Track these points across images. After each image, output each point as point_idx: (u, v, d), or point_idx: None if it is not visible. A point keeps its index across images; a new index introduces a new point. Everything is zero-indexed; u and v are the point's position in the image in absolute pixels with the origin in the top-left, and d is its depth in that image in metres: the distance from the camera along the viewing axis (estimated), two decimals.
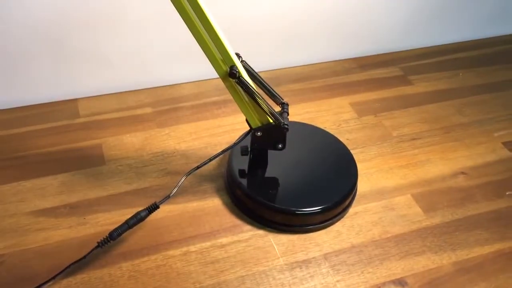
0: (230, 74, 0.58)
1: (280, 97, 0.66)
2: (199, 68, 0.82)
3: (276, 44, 0.94)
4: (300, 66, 0.96)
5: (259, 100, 0.61)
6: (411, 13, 0.98)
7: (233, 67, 0.58)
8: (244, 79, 0.59)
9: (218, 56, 0.58)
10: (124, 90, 0.87)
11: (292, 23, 0.91)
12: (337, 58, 0.99)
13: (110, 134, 0.79)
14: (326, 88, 0.91)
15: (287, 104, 0.67)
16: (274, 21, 0.90)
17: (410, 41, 1.02)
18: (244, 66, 0.62)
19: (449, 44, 1.05)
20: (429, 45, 1.04)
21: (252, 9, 0.87)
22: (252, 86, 0.60)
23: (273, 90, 0.66)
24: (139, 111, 0.84)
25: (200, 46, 0.57)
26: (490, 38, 1.07)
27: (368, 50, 1.00)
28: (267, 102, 0.61)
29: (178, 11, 0.54)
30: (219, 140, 0.79)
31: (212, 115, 0.84)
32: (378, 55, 1.01)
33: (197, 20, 0.54)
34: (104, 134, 0.79)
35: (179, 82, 0.90)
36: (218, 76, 0.59)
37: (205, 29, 0.55)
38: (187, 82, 0.90)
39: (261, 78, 0.65)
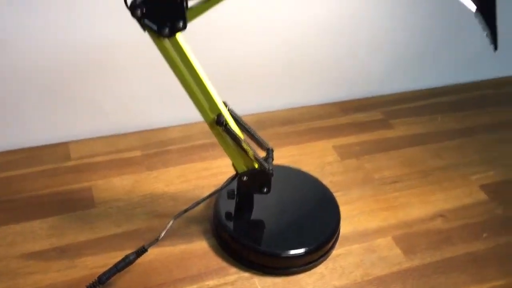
0: (217, 122, 0.61)
1: (265, 143, 0.69)
2: (187, 112, 0.85)
3: (262, 88, 0.97)
4: (286, 109, 1.00)
5: (245, 147, 0.63)
6: (392, 59, 1.03)
7: (220, 115, 0.61)
8: (231, 127, 0.62)
9: (205, 104, 0.61)
10: (114, 134, 0.90)
11: (278, 67, 0.96)
12: (321, 102, 1.02)
13: (100, 177, 0.81)
14: (310, 131, 0.94)
15: (272, 150, 0.70)
16: (260, 66, 0.94)
17: (391, 85, 1.07)
18: (230, 113, 0.65)
19: (428, 89, 1.09)
20: (409, 90, 1.08)
21: (238, 53, 0.91)
22: (238, 134, 0.63)
23: (258, 136, 0.69)
24: (128, 154, 0.86)
25: (188, 95, 0.60)
26: (466, 84, 1.12)
27: (350, 95, 1.05)
28: (252, 149, 0.64)
29: (167, 62, 0.57)
30: (206, 183, 0.81)
31: (200, 158, 0.86)
32: (360, 99, 1.05)
33: (185, 70, 0.58)
34: (94, 177, 0.81)
35: (168, 126, 0.93)
36: None
37: (192, 79, 0.59)
38: (176, 126, 0.93)
39: (247, 125, 0.68)
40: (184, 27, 0.53)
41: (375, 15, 0.96)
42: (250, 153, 0.64)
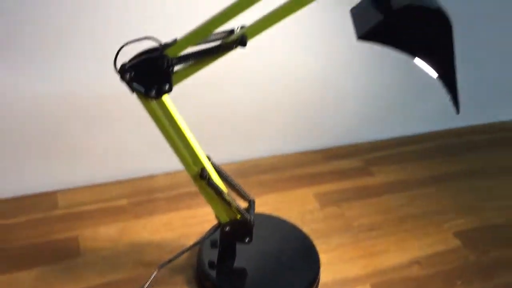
0: (201, 176, 0.65)
1: (247, 195, 0.73)
2: (174, 160, 0.88)
3: (245, 136, 1.01)
4: (269, 157, 1.04)
5: (227, 199, 0.67)
6: (373, 108, 1.08)
7: (203, 169, 0.65)
8: (213, 181, 0.66)
9: (189, 159, 0.64)
10: (102, 182, 0.93)
11: (261, 115, 1.00)
12: (303, 150, 1.07)
13: (87, 226, 0.83)
14: (292, 179, 0.98)
15: (254, 201, 0.73)
16: (243, 113, 0.98)
17: (371, 134, 1.11)
18: (213, 166, 0.69)
19: (405, 136, 1.14)
20: (388, 138, 1.13)
21: (223, 102, 0.95)
22: (220, 187, 0.66)
23: (240, 187, 0.72)
24: (115, 203, 0.88)
25: (173, 150, 0.64)
26: (440, 132, 1.17)
27: (333, 142, 1.09)
28: (234, 200, 0.67)
29: (153, 120, 0.61)
30: (192, 231, 0.83)
31: (187, 206, 0.89)
32: (342, 146, 1.09)
33: (170, 128, 0.61)
34: (81, 226, 0.83)
35: (155, 174, 0.96)
36: None
37: (177, 136, 0.62)
38: (162, 173, 0.96)
39: (229, 177, 0.71)
40: (170, 89, 0.57)
41: (357, 67, 1.02)
42: (233, 205, 0.67)
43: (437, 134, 1.16)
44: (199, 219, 0.86)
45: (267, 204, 0.91)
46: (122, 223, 0.84)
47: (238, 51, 0.54)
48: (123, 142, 0.92)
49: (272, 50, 0.92)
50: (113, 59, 0.56)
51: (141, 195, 0.90)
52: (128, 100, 0.77)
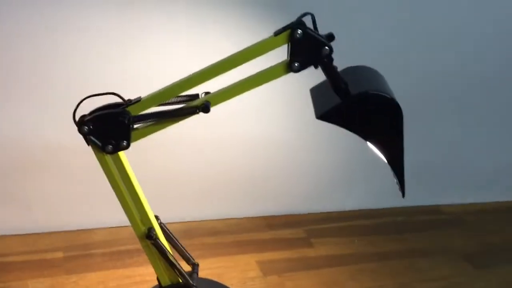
0: (148, 236, 0.63)
1: (192, 258, 0.71)
2: (115, 215, 0.86)
3: (191, 197, 1.00)
4: (215, 220, 1.03)
5: (172, 261, 0.65)
6: (317, 179, 1.11)
7: (151, 229, 0.63)
8: (160, 241, 0.64)
9: (137, 217, 0.63)
10: (36, 232, 0.88)
11: (208, 179, 1.00)
12: (249, 215, 1.07)
13: (14, 279, 0.77)
14: (236, 244, 0.97)
15: (197, 265, 0.71)
16: (192, 176, 0.98)
17: (316, 205, 1.14)
18: (161, 227, 0.67)
19: (349, 211, 1.17)
20: (333, 210, 1.15)
21: (173, 165, 0.95)
22: (166, 248, 0.65)
23: (185, 250, 0.71)
24: (49, 255, 0.84)
25: (122, 206, 0.62)
26: (384, 209, 1.21)
27: (278, 210, 1.10)
28: (178, 263, 0.66)
29: (105, 174, 0.59)
30: None
31: (123, 264, 0.85)
32: (287, 215, 1.10)
33: (122, 184, 0.60)
34: (7, 278, 0.77)
35: (94, 227, 0.92)
36: None
37: (128, 192, 0.61)
38: (102, 228, 0.93)
39: (176, 238, 0.70)
40: (127, 146, 0.57)
41: (311, 139, 1.05)
42: (176, 268, 0.65)
43: (382, 211, 1.20)
44: (136, 279, 0.82)
45: (210, 268, 0.89)
46: (53, 278, 0.79)
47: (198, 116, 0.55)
48: (65, 193, 0.88)
49: (229, 115, 0.94)
50: (73, 111, 0.55)
51: (77, 249, 0.86)
52: (78, 151, 0.76)
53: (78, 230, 0.90)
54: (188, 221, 1.00)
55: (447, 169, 1.23)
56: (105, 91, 0.56)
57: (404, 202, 1.25)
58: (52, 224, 0.89)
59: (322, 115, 0.53)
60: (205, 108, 0.54)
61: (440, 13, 1.02)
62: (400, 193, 0.58)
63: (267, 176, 1.05)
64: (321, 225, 1.10)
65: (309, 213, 1.13)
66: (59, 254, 0.84)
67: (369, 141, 0.55)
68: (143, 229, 0.63)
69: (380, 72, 0.58)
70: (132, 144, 0.57)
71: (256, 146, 1.01)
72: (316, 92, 0.58)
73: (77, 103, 0.55)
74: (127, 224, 0.94)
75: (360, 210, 1.18)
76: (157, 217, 0.67)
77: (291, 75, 0.53)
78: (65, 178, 0.87)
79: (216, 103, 0.55)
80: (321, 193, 1.14)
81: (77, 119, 0.55)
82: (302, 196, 1.12)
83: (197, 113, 0.54)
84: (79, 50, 0.80)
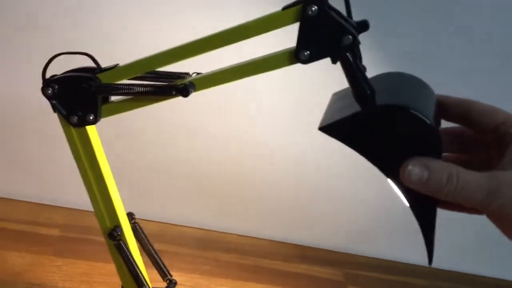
0: (110, 235, 0.52)
1: (169, 273, 0.59)
2: (130, 203, 0.78)
3: (216, 205, 0.89)
4: (237, 235, 0.90)
5: (135, 271, 0.54)
6: (366, 218, 0.94)
7: (117, 227, 0.53)
8: (125, 244, 0.53)
9: (104, 210, 0.53)
10: (43, 202, 0.82)
11: (238, 188, 0.88)
12: (278, 239, 0.92)
13: None
14: (253, 268, 0.84)
15: (175, 283, 0.59)
16: (221, 181, 0.87)
17: (358, 246, 0.96)
18: (134, 228, 0.57)
19: (391, 261, 0.97)
20: (374, 256, 0.97)
21: (202, 164, 0.84)
22: (133, 255, 0.54)
23: (162, 263, 0.59)
24: (43, 230, 0.77)
25: (88, 194, 0.52)
26: (449, 272, 0.99)
27: (311, 241, 0.94)
28: (143, 275, 0.54)
29: (71, 149, 0.50)
30: None
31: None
32: (321, 249, 0.94)
33: (88, 166, 0.50)
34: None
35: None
36: None
37: (94, 178, 0.51)
38: None
39: (152, 246, 0.59)
40: (95, 121, 0.47)
41: (357, 169, 0.89)
42: (141, 281, 0.54)
43: (443, 273, 0.99)
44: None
45: None
46: (36, 256, 0.72)
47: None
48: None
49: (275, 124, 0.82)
50: (42, 70, 0.46)
51: (75, 231, 0.79)
52: None
53: (85, 211, 0.83)
54: (207, 229, 0.89)
55: None
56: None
57: (466, 266, 1.01)
58: (60, 197, 0.83)
59: (326, 126, 0.39)
60: (183, 90, 0.42)
61: None
62: (430, 262, 0.41)
63: (309, 198, 0.91)
64: (362, 270, 0.92)
65: (347, 253, 0.95)
66: (55, 232, 0.77)
67: (389, 177, 0.39)
68: (108, 226, 0.53)
69: (432, 89, 0.42)
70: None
71: (301, 162, 0.87)
72: (337, 99, 0.43)
73: None
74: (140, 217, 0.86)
75: (404, 264, 0.97)
76: (131, 215, 0.56)
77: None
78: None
79: (203, 87, 0.43)
80: (366, 233, 0.95)
81: None
82: (345, 232, 0.95)
83: (174, 95, 0.43)
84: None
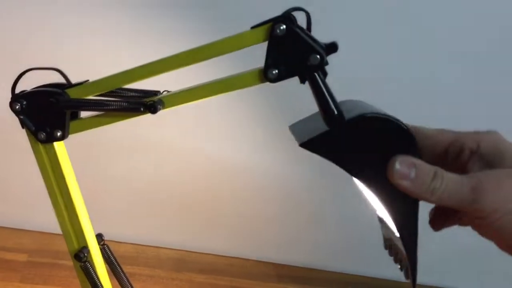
0: (76, 256, 0.51)
1: None
2: (100, 225, 0.76)
3: (192, 225, 0.88)
4: (213, 255, 0.88)
5: None
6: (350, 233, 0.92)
7: (84, 249, 0.51)
8: (92, 266, 0.52)
9: (71, 230, 0.51)
10: (13, 227, 0.80)
11: (214, 207, 0.87)
12: (255, 258, 0.90)
13: None
14: None
15: None
16: (196, 201, 0.86)
17: (337, 264, 0.94)
18: (103, 251, 0.55)
19: (378, 278, 0.95)
20: (370, 275, 0.94)
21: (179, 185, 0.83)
22: (98, 278, 0.52)
23: (131, 286, 0.58)
24: (11, 256, 0.76)
25: (55, 213, 0.51)
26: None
27: (293, 259, 0.93)
28: None
29: (38, 166, 0.49)
30: None
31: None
32: (303, 268, 0.92)
33: (55, 184, 0.49)
34: None
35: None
36: None
37: (62, 197, 0.50)
38: None
39: (122, 269, 0.57)
40: (62, 137, 0.46)
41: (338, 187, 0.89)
42: None
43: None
44: None
45: None
46: (1, 283, 0.70)
47: None
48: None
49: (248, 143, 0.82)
50: (12, 85, 0.46)
51: (44, 256, 0.76)
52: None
53: (56, 234, 0.81)
54: (182, 250, 0.87)
55: None
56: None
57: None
58: (29, 220, 0.81)
59: (308, 141, 0.38)
60: (151, 107, 0.42)
61: None
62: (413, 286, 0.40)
63: (285, 216, 0.89)
64: None
65: (327, 271, 0.93)
66: (23, 257, 0.75)
67: (372, 188, 0.38)
68: (76, 247, 0.52)
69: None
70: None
71: (280, 182, 0.87)
72: (300, 126, 0.43)
73: None
74: (112, 239, 0.84)
75: (394, 282, 0.95)
76: (100, 236, 0.55)
77: None
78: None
79: (172, 105, 0.43)
80: (351, 250, 0.94)
81: None
82: (323, 249, 0.93)
83: (142, 111, 0.43)
84: None
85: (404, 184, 0.36)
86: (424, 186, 0.36)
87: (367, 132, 0.37)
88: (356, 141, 0.38)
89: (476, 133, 0.40)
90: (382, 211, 0.40)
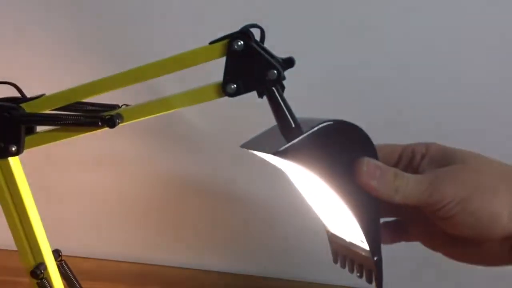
0: (32, 273, 0.50)
1: None
2: (66, 240, 0.74)
3: (152, 236, 0.87)
4: (176, 268, 0.87)
5: None
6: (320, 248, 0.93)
7: (40, 265, 0.50)
8: (49, 283, 0.50)
9: (27, 246, 0.50)
10: None
11: (178, 217, 0.86)
12: (218, 269, 0.89)
13: None
14: None
15: None
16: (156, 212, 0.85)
17: (309, 275, 0.93)
18: (61, 267, 0.54)
19: None
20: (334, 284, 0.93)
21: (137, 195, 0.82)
22: None
23: None
24: None
25: (11, 230, 0.50)
26: None
27: (264, 271, 0.92)
28: None
29: None
30: None
31: None
32: (277, 279, 0.91)
33: (10, 200, 0.48)
34: None
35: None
36: None
37: (17, 213, 0.49)
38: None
39: (80, 286, 0.56)
40: (17, 152, 0.45)
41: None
42: None
43: None
44: None
45: None
46: None
47: None
48: None
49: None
50: None
51: (7, 273, 0.74)
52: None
53: (14, 251, 0.78)
54: (145, 263, 0.86)
55: None
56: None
57: None
58: None
59: (284, 149, 0.38)
60: (109, 121, 0.42)
61: None
62: None
63: (250, 226, 0.89)
64: None
65: (296, 280, 0.93)
66: None
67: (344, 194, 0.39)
68: (32, 263, 0.50)
69: None
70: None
71: (241, 196, 0.87)
72: (255, 142, 0.43)
73: None
74: (77, 255, 0.82)
75: None
76: (58, 252, 0.54)
77: None
78: None
79: (131, 119, 0.43)
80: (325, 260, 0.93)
81: None
82: (289, 259, 0.92)
83: (100, 125, 0.42)
84: None
85: (373, 184, 0.38)
86: (389, 185, 0.38)
87: (334, 138, 0.38)
88: (325, 147, 0.38)
89: (424, 142, 0.43)
90: (337, 220, 0.41)
